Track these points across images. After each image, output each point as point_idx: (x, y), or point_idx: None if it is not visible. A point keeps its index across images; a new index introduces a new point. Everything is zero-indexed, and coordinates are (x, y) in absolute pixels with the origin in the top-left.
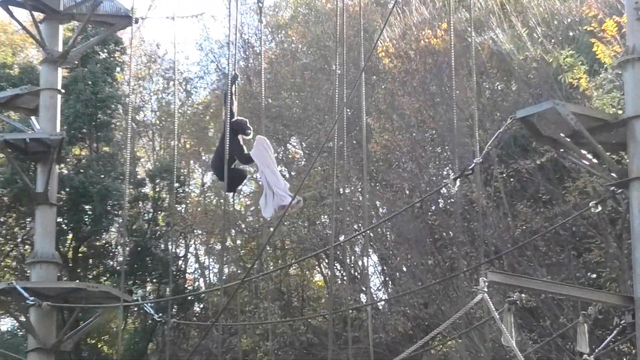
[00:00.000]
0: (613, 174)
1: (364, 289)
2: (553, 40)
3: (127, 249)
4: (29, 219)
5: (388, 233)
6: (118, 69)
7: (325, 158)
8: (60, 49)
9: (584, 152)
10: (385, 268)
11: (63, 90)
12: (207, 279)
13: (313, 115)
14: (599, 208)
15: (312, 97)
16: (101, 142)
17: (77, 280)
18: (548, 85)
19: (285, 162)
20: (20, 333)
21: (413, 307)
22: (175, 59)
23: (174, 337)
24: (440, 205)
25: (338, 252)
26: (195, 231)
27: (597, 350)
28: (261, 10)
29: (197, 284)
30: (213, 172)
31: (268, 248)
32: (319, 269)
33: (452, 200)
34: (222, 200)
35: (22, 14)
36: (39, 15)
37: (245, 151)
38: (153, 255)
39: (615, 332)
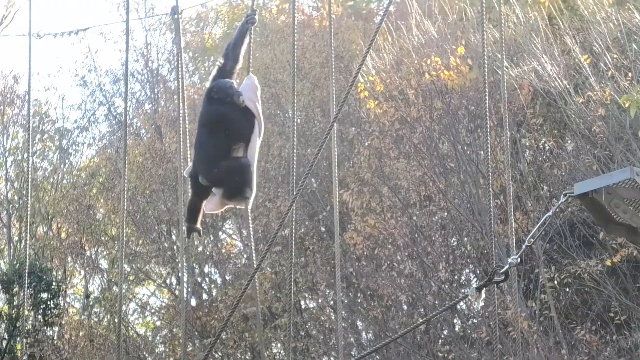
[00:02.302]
0: None
1: None
2: (630, 74)
3: None
4: None
5: None
6: None
7: (279, 254)
8: None
9: None
10: None
11: None
12: None
13: (259, 187)
14: None
15: (258, 159)
16: None
17: None
18: (623, 143)
19: (217, 259)
20: None
21: None
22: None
23: None
24: (457, 329)
25: None
26: None
27: None
28: (178, 26)
29: None
30: (197, 174)
31: None
32: None
33: (474, 320)
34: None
35: None
36: None
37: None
38: None
39: None
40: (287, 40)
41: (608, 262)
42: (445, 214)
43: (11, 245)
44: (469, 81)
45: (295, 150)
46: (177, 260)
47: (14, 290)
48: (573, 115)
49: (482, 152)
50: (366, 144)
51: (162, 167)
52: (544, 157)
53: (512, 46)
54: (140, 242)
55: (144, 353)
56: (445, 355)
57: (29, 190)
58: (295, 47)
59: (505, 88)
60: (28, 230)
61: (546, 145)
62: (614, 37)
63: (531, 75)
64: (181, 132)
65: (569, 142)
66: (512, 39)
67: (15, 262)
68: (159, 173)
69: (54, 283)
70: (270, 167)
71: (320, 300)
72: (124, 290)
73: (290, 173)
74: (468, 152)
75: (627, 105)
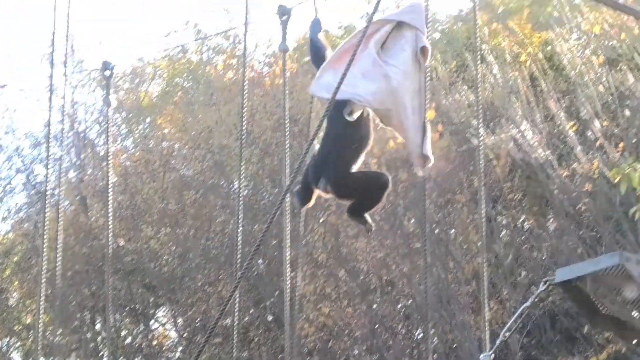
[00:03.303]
0: None
1: None
2: (622, 144)
3: None
4: None
5: None
6: None
7: (219, 347)
8: None
9: None
10: None
11: None
12: None
13: (196, 271)
14: None
15: (196, 238)
16: None
17: None
18: (612, 223)
19: (147, 352)
20: None
21: None
22: None
23: None
24: None
25: None
26: None
27: None
28: (109, 83)
29: None
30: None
31: None
32: None
33: None
34: None
35: None
36: None
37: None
38: None
39: None
40: (234, 100)
41: None
42: (410, 301)
43: None
44: (439, 150)
45: (241, 226)
46: (101, 354)
47: None
48: (556, 191)
49: (452, 231)
50: (321, 220)
51: (87, 244)
52: (523, 237)
53: (488, 110)
54: (60, 332)
55: None
56: None
57: None
58: (244, 108)
59: (482, 158)
60: None
61: (525, 224)
62: (604, 101)
63: (510, 143)
64: (110, 205)
65: (551, 221)
66: (489, 102)
67: None
68: (83, 252)
69: None
70: (211, 245)
71: None
72: None
73: (234, 252)
74: (437, 231)
75: (617, 180)
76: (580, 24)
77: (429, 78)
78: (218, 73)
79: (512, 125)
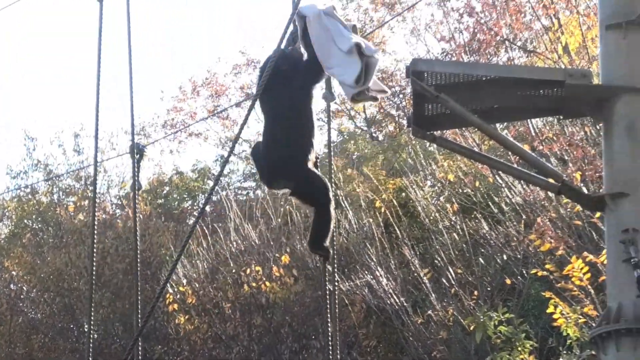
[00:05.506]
0: None
1: None
2: (476, 293)
3: None
4: None
5: None
6: None
7: None
8: None
9: None
10: None
11: None
12: None
13: None
14: None
15: None
16: None
17: None
18: None
19: None
20: None
21: None
22: None
23: None
24: None
25: None
26: None
27: None
28: None
29: None
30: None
31: None
32: None
33: None
34: None
35: None
36: None
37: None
38: None
39: None
40: (84, 243)
41: None
42: None
43: None
44: (294, 294)
45: None
46: None
47: None
48: (411, 338)
49: None
50: None
51: None
52: None
53: (343, 256)
54: None
55: None
56: None
57: None
58: (95, 250)
59: (336, 304)
60: None
61: None
62: (459, 249)
63: (364, 289)
64: None
65: None
66: (344, 247)
67: None
68: None
69: None
70: None
71: None
72: None
73: None
74: None
75: (472, 328)
76: (434, 172)
77: (284, 223)
78: (69, 215)
79: (367, 272)
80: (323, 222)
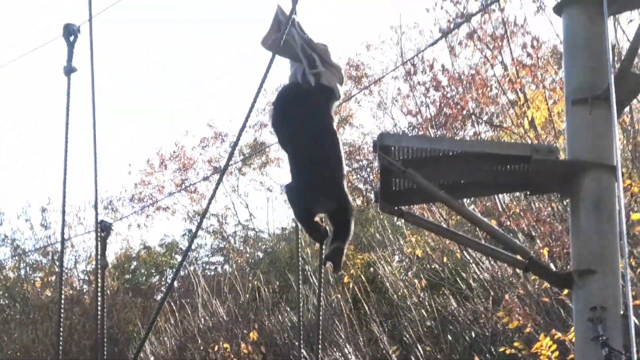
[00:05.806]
0: None
1: None
2: None
3: None
4: None
5: None
6: None
7: None
8: None
9: None
10: None
11: None
12: None
13: None
14: None
15: None
16: None
17: None
18: None
19: None
20: None
21: None
22: None
23: None
24: None
25: None
26: None
27: None
28: None
29: None
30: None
31: None
32: None
33: None
34: None
35: None
36: None
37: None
38: None
39: None
40: (51, 319)
41: None
42: None
43: None
44: None
45: None
46: None
47: None
48: None
49: None
50: None
51: None
52: None
53: (311, 333)
54: None
55: None
56: None
57: None
58: (62, 326)
59: None
60: None
61: None
62: (427, 325)
63: None
64: None
65: None
66: (312, 324)
67: None
68: None
69: None
70: None
71: None
72: None
73: None
74: None
75: None
76: (402, 247)
77: (252, 299)
78: (36, 290)
79: (336, 349)
80: (345, 229)
